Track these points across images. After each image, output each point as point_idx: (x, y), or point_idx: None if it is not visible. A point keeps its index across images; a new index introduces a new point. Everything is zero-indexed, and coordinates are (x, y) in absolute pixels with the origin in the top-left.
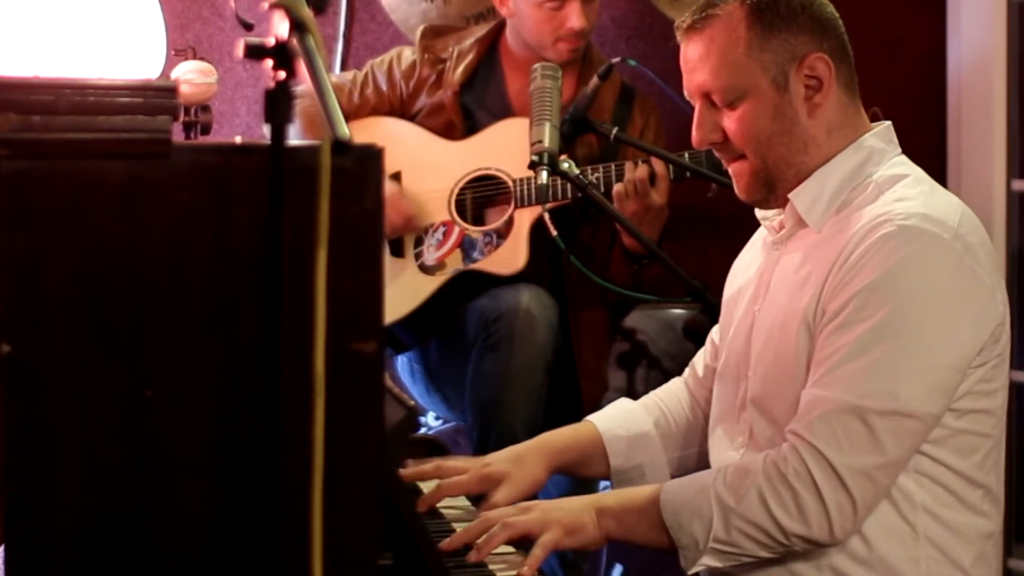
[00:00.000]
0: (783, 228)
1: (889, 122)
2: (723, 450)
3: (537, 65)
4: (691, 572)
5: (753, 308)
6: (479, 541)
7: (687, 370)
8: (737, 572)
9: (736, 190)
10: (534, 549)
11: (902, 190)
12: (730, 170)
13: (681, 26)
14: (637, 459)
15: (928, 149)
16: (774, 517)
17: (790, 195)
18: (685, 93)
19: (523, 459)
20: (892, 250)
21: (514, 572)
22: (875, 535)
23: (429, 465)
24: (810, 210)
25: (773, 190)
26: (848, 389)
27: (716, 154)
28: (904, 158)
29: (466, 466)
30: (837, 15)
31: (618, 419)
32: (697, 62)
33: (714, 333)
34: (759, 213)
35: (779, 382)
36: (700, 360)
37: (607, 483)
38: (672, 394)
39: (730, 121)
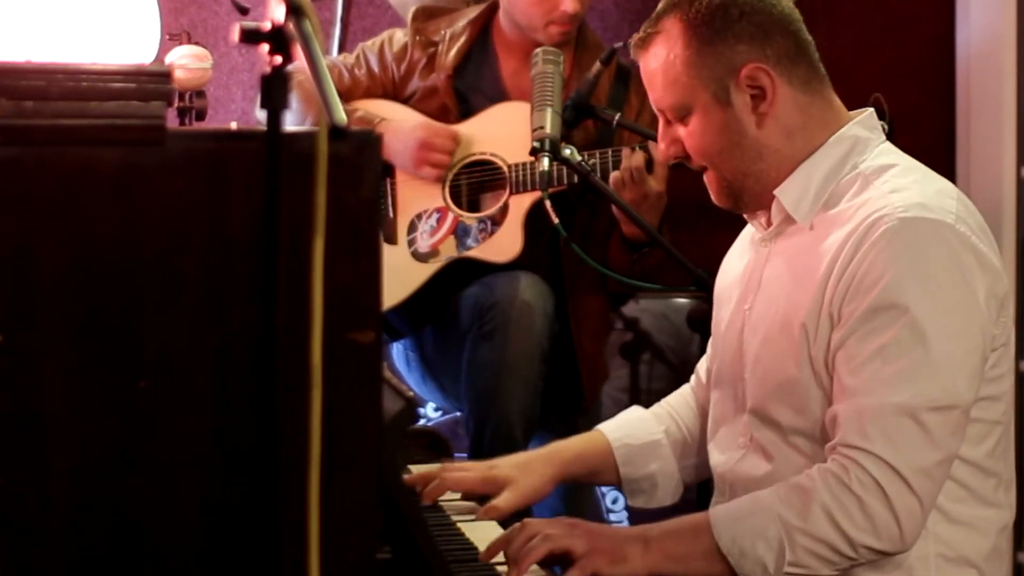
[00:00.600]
0: (770, 225)
1: (871, 109)
2: (725, 450)
3: (538, 50)
4: None
5: (743, 307)
6: (519, 554)
7: (693, 377)
8: None
9: (712, 197)
10: (572, 570)
11: (894, 180)
12: (704, 178)
13: (632, 43)
14: (647, 468)
15: (936, 135)
16: (842, 530)
17: (776, 192)
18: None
19: (530, 466)
20: (900, 246)
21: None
22: None
23: (434, 468)
24: (797, 206)
25: (739, 197)
26: (894, 392)
27: (688, 166)
28: (889, 145)
29: (471, 466)
30: (792, 10)
31: (628, 427)
32: (648, 78)
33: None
34: (744, 210)
35: (780, 383)
36: (703, 366)
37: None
38: (683, 401)
39: (685, 135)
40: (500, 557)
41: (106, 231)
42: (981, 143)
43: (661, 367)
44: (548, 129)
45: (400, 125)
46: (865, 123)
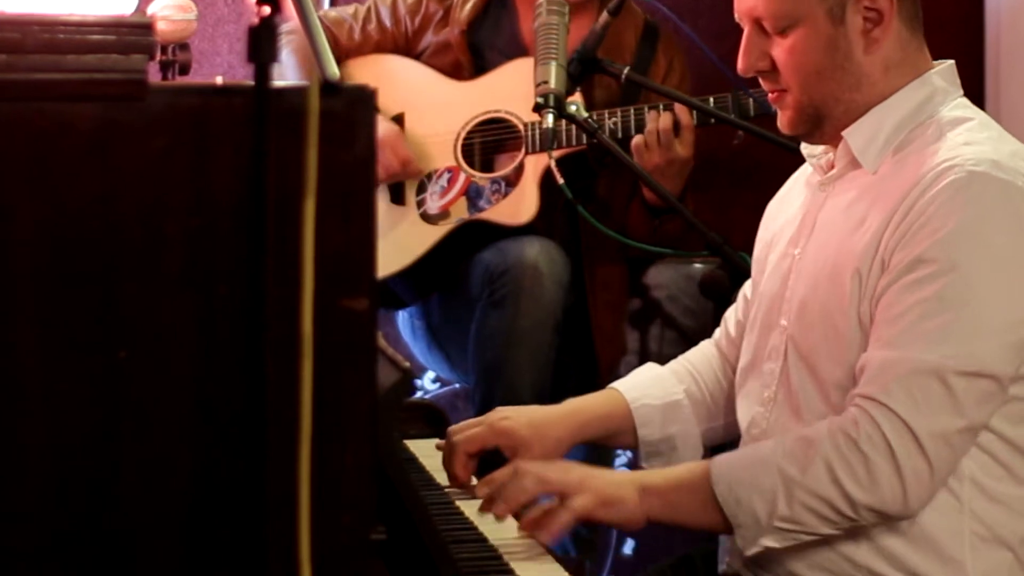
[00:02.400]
0: (832, 168)
1: (952, 61)
2: (752, 402)
3: (542, 0)
4: (750, 553)
5: (792, 251)
6: (507, 495)
7: (718, 330)
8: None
9: (779, 122)
10: (561, 512)
11: (968, 134)
12: (772, 100)
13: None
14: (668, 430)
15: (965, 91)
16: (843, 488)
17: (844, 133)
18: (736, 15)
19: (545, 428)
20: (964, 200)
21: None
22: (923, 511)
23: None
24: (865, 150)
25: (819, 126)
26: (926, 349)
27: (761, 83)
28: (967, 101)
29: (478, 421)
30: None
31: (646, 387)
32: None
33: (747, 288)
34: (805, 150)
35: (825, 336)
36: (732, 317)
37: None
38: (704, 358)
39: (780, 50)
40: (505, 539)
41: (83, 192)
42: (1012, 98)
43: (674, 335)
44: (552, 84)
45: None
46: (946, 75)
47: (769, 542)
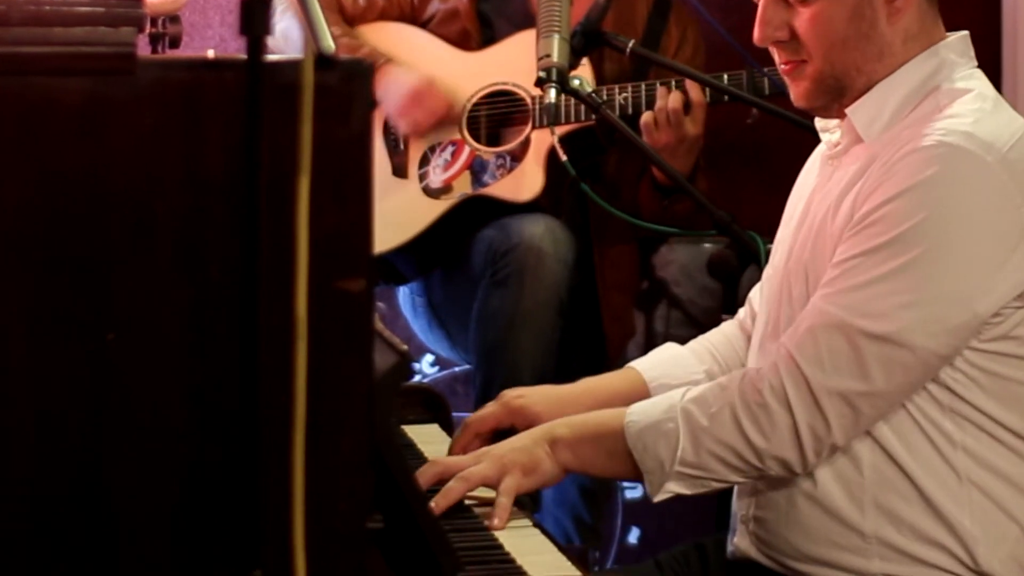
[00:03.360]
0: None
1: (966, 32)
2: None
3: None
4: (657, 499)
5: (799, 228)
6: (436, 497)
7: (743, 309)
8: (772, 517)
9: (792, 95)
10: (498, 499)
11: (959, 105)
12: (785, 72)
13: None
14: None
15: (981, 62)
16: (746, 436)
17: (847, 110)
18: None
19: (561, 407)
20: (922, 164)
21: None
22: (918, 475)
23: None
24: (869, 127)
25: (838, 97)
26: (845, 305)
27: (775, 55)
28: (979, 72)
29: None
30: None
31: (666, 366)
32: None
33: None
34: (819, 124)
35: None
36: (755, 294)
37: None
38: (725, 339)
39: (802, 19)
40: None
41: (70, 169)
42: None
43: (680, 316)
44: (555, 57)
45: (405, 71)
46: (956, 47)
47: (676, 487)
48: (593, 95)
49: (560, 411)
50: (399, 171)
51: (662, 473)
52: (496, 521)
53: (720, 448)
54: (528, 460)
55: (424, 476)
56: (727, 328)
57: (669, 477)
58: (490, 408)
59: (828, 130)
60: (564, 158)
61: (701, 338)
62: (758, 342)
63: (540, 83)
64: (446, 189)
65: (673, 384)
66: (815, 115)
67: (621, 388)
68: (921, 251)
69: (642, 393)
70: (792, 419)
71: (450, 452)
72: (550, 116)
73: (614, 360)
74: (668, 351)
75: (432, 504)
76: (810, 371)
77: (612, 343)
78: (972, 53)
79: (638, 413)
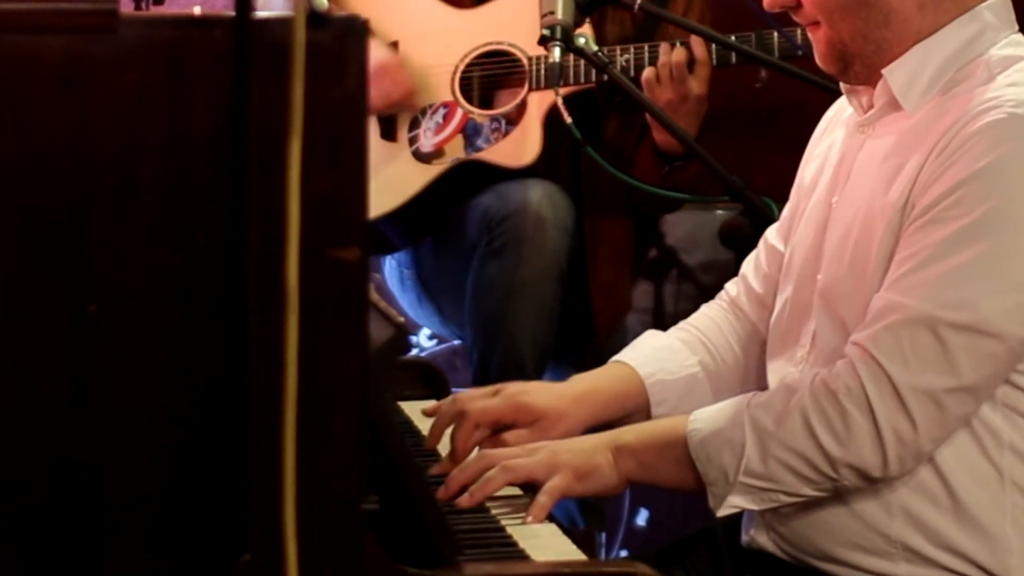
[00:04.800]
0: (872, 108)
1: None
2: (783, 366)
3: None
4: (721, 514)
5: (830, 199)
6: (473, 486)
7: (733, 287)
8: (793, 512)
9: (815, 57)
10: (539, 496)
11: (1017, 74)
12: (809, 32)
13: None
14: (684, 407)
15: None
16: (819, 443)
17: (884, 71)
18: None
19: (567, 407)
20: (997, 140)
21: (520, 519)
22: (955, 475)
23: (445, 402)
24: (906, 91)
25: (849, 64)
26: (925, 296)
27: (793, 18)
28: (1021, 38)
29: (488, 390)
30: None
31: (659, 360)
32: None
33: (771, 234)
34: (844, 87)
35: (855, 290)
36: (753, 271)
37: None
38: (713, 325)
39: None
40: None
41: (50, 132)
42: None
43: (691, 289)
44: (559, 15)
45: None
46: (997, 10)
47: (740, 501)
48: (599, 54)
49: (566, 409)
50: (388, 134)
51: (726, 484)
52: (530, 519)
53: (790, 456)
54: (584, 464)
55: (469, 472)
56: (713, 312)
57: (733, 489)
58: (494, 401)
59: (856, 94)
60: (569, 120)
61: (686, 324)
62: (783, 320)
63: (544, 42)
64: (437, 153)
65: (669, 380)
66: (837, 80)
67: (619, 387)
68: (1005, 234)
69: (638, 390)
70: (873, 423)
71: (452, 443)
72: (554, 76)
73: (603, 335)
74: (654, 341)
75: (468, 494)
76: (893, 369)
77: (601, 317)
78: (1012, 17)
79: (702, 420)
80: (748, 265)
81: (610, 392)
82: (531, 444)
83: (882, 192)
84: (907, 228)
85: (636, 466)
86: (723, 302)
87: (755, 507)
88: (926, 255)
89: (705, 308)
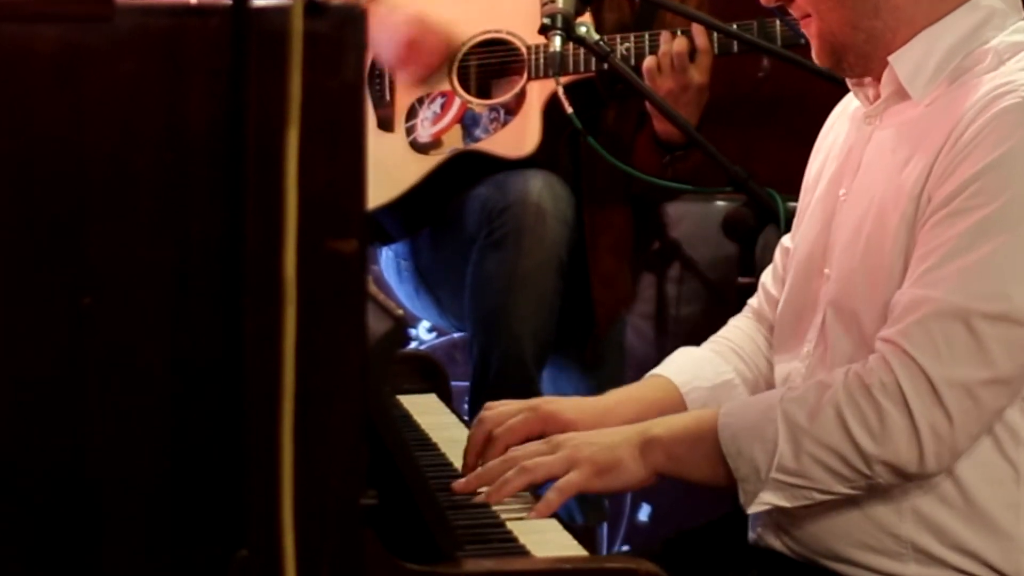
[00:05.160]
0: (878, 98)
1: None
2: (788, 360)
3: None
4: (752, 510)
5: (837, 191)
6: (491, 488)
7: (755, 300)
8: (802, 511)
9: (812, 53)
10: (548, 492)
11: None
12: (804, 26)
13: None
14: None
15: None
16: (853, 438)
17: (890, 58)
18: None
19: (596, 416)
20: (1012, 127)
21: (521, 514)
22: (968, 473)
23: (479, 432)
24: (913, 78)
25: (842, 56)
26: (955, 289)
27: (790, 12)
28: None
29: (516, 405)
30: None
31: (694, 369)
32: None
33: (786, 240)
34: (849, 80)
35: (868, 283)
36: (772, 279)
37: None
38: (743, 336)
39: None
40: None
41: (44, 123)
42: None
43: (694, 282)
44: (560, 3)
45: (390, 13)
46: None
47: (772, 498)
48: (600, 43)
49: (595, 422)
50: (385, 124)
51: (757, 480)
52: (534, 514)
53: (823, 452)
54: (606, 459)
55: (492, 472)
56: (741, 323)
57: (765, 485)
58: (518, 419)
59: (862, 86)
60: (570, 110)
61: (717, 337)
62: (787, 314)
63: (545, 30)
64: (435, 144)
65: (706, 387)
66: (839, 75)
67: (653, 396)
68: None
69: (675, 400)
70: (910, 419)
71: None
72: (555, 66)
73: (603, 327)
74: (688, 355)
75: (484, 494)
76: (927, 362)
77: (601, 309)
78: (1020, 3)
79: (733, 414)
80: (767, 276)
81: (645, 401)
82: (556, 437)
83: (894, 183)
84: (926, 222)
85: (665, 459)
86: (748, 314)
87: (787, 504)
88: (950, 248)
89: (733, 321)
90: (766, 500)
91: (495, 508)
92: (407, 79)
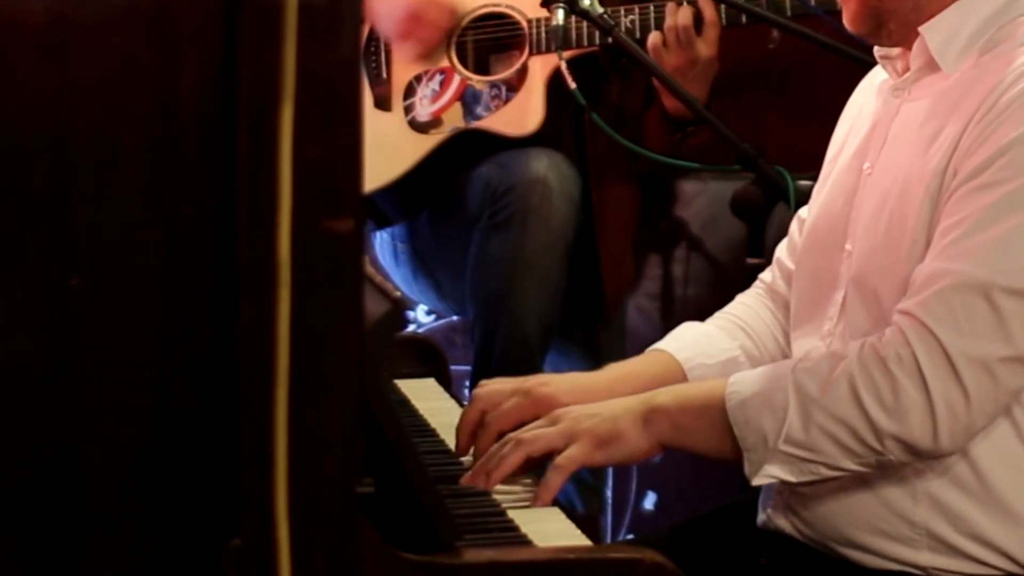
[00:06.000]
0: (907, 71)
1: None
2: (808, 339)
3: None
4: (756, 482)
5: (861, 164)
6: (490, 466)
7: (767, 274)
8: (814, 493)
9: (844, 18)
10: (548, 472)
11: None
12: None
13: None
14: None
15: None
16: (866, 411)
17: (921, 29)
18: None
19: (592, 396)
20: None
21: (524, 502)
22: (987, 460)
23: (472, 412)
24: (944, 50)
25: (883, 23)
26: (977, 262)
27: None
28: None
29: (510, 385)
30: None
31: (697, 345)
32: None
33: (803, 213)
34: (878, 51)
35: (888, 259)
36: (785, 253)
37: None
38: (751, 312)
39: None
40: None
41: (31, 98)
42: None
43: (701, 264)
44: None
45: None
46: None
47: (777, 471)
48: (604, 16)
49: (592, 400)
50: (382, 103)
51: (764, 451)
52: (537, 502)
53: (833, 425)
54: (607, 430)
55: (487, 454)
56: (750, 299)
57: (772, 457)
58: (512, 403)
59: (889, 56)
60: (573, 86)
61: (723, 313)
62: (806, 292)
63: (547, 3)
64: (435, 123)
65: (710, 364)
66: (870, 42)
67: (654, 371)
68: None
69: (677, 377)
70: (926, 394)
71: (475, 455)
72: (558, 40)
73: (612, 308)
74: (692, 330)
75: (485, 476)
76: (946, 336)
77: (610, 289)
78: None
79: (742, 383)
80: (782, 249)
81: (645, 377)
82: (556, 411)
83: (921, 157)
84: (950, 195)
85: (670, 429)
86: (759, 290)
87: (792, 478)
88: (974, 221)
89: (741, 297)
90: (771, 473)
91: (496, 496)
92: (408, 54)
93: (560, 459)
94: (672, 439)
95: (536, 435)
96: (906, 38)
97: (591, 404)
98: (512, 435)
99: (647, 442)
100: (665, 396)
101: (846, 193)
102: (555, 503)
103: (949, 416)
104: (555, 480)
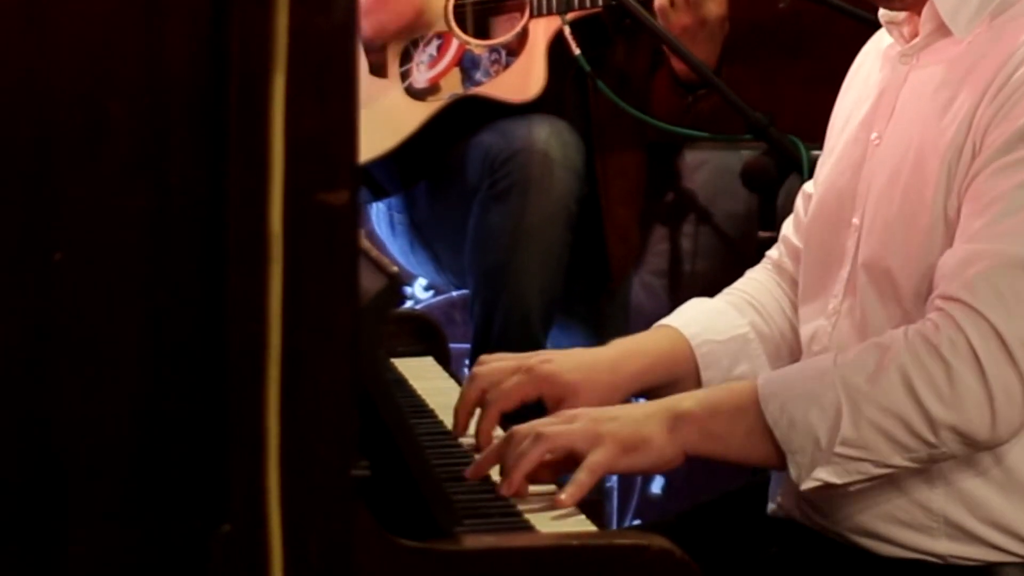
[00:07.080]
0: (916, 36)
1: None
2: (814, 318)
3: None
4: (806, 487)
5: (868, 135)
6: (508, 466)
7: (775, 251)
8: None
9: None
10: (577, 474)
11: None
12: None
13: None
14: (734, 370)
15: None
16: (921, 403)
17: None
18: None
19: (597, 373)
20: None
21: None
22: (1009, 446)
23: (472, 390)
24: (955, 14)
25: None
26: (1015, 241)
27: None
28: None
29: (511, 362)
30: None
31: (706, 321)
32: None
33: (808, 188)
34: (883, 16)
35: (905, 236)
36: (791, 230)
37: None
38: (761, 287)
39: None
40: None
41: (12, 65)
42: None
43: (711, 236)
44: None
45: None
46: None
47: (827, 474)
48: None
49: (597, 378)
50: (377, 69)
51: (816, 452)
52: (566, 498)
53: (885, 419)
54: (632, 435)
55: (501, 450)
56: (758, 275)
57: (825, 459)
58: (514, 381)
59: (896, 22)
60: (577, 52)
61: (732, 289)
62: (812, 268)
63: None
64: (433, 89)
65: (718, 340)
66: (879, 5)
67: (663, 348)
68: None
69: (685, 354)
70: (983, 380)
71: (476, 437)
72: (560, 2)
73: (618, 280)
74: (700, 305)
75: (503, 476)
76: (997, 318)
77: (616, 261)
78: None
79: (776, 383)
80: (788, 225)
81: (653, 353)
82: (569, 411)
83: (934, 127)
84: (974, 176)
85: (699, 437)
86: (767, 266)
87: (837, 480)
88: (1008, 202)
89: (750, 272)
90: (820, 476)
91: (497, 479)
92: (368, 31)
93: (588, 463)
94: (700, 447)
95: (558, 431)
96: (915, 2)
97: (607, 408)
98: (520, 430)
99: (672, 450)
100: (691, 402)
101: (853, 165)
102: (557, 485)
103: (1007, 402)
104: (585, 483)
